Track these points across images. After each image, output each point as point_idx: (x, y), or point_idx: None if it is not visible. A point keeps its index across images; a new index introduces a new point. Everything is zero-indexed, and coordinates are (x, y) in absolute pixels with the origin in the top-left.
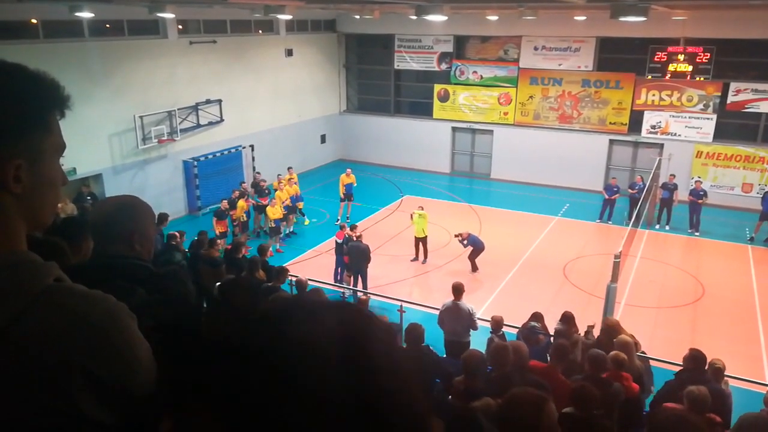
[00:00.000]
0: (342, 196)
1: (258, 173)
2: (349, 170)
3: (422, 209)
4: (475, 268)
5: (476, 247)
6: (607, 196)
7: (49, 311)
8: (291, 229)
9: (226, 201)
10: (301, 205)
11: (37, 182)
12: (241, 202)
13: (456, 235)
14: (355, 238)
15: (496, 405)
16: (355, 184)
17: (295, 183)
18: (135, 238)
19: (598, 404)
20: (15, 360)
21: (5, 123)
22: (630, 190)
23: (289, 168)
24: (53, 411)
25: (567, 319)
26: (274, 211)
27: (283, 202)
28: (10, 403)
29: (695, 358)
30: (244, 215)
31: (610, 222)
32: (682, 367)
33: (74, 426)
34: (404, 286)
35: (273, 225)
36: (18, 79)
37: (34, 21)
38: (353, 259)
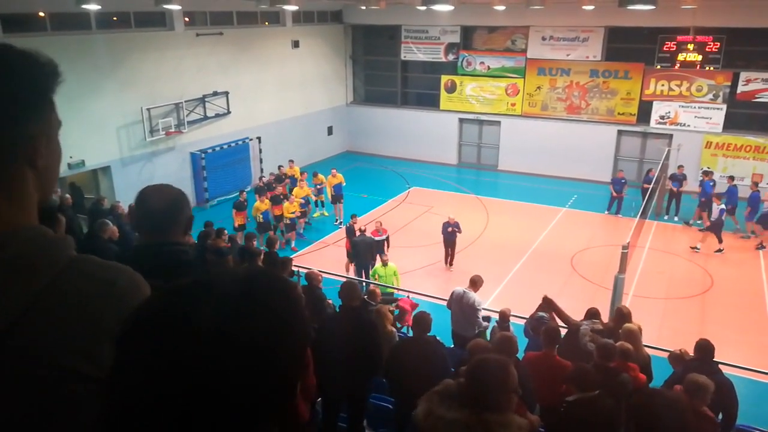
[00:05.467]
0: (330, 198)
1: (281, 167)
2: (334, 170)
3: (386, 262)
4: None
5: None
6: (615, 194)
7: (79, 279)
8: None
9: (245, 192)
10: (322, 197)
11: (50, 157)
12: (257, 203)
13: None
14: (358, 232)
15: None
16: (344, 184)
17: (287, 177)
18: (188, 225)
19: (596, 384)
20: (48, 328)
21: (33, 101)
22: (645, 185)
23: (290, 161)
24: (80, 376)
25: (592, 315)
26: (290, 208)
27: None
28: (42, 367)
29: (703, 348)
30: (260, 216)
31: (619, 214)
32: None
33: (97, 391)
34: (411, 277)
35: (288, 222)
36: (28, 59)
37: (41, 14)
38: (361, 252)
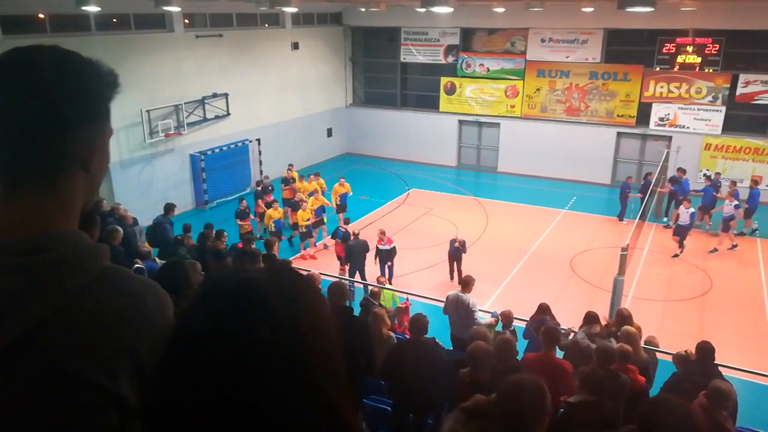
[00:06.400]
0: (335, 207)
1: (290, 169)
2: (342, 179)
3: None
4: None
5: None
6: (639, 195)
7: (108, 292)
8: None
9: (244, 200)
10: (324, 199)
11: (100, 163)
12: (270, 211)
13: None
14: (352, 236)
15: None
16: (351, 194)
17: (295, 181)
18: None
19: (606, 389)
20: (70, 335)
21: (93, 107)
22: (644, 187)
23: (290, 165)
24: (97, 389)
25: (590, 319)
26: (304, 215)
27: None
28: (57, 373)
29: (703, 349)
30: (272, 225)
31: (618, 217)
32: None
33: (110, 406)
34: (409, 279)
35: (304, 230)
36: (91, 67)
37: (41, 15)
38: (357, 255)
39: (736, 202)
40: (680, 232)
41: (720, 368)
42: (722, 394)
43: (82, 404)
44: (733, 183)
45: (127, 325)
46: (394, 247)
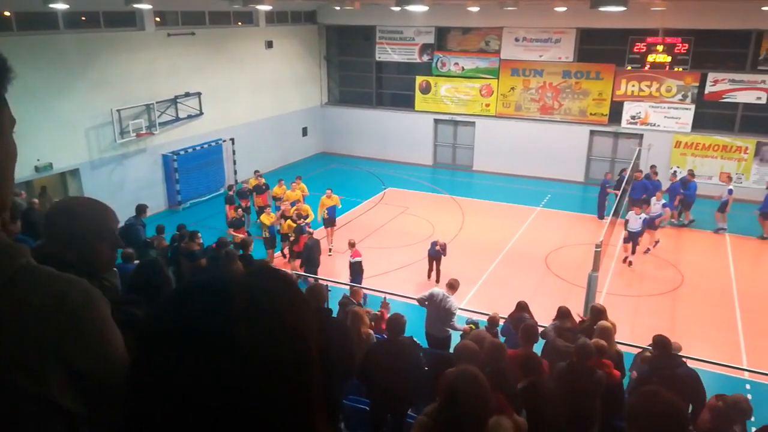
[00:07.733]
0: (323, 222)
1: (258, 176)
2: (329, 191)
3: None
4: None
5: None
6: (615, 192)
7: (27, 291)
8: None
9: (241, 209)
10: (303, 204)
11: (0, 155)
12: (263, 217)
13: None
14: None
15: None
16: (339, 206)
17: (268, 188)
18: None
19: (543, 371)
20: None
21: None
22: (616, 185)
23: (255, 171)
24: (25, 395)
25: (562, 314)
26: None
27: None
28: None
29: (659, 343)
30: (267, 231)
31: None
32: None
33: (44, 413)
34: (387, 278)
35: (293, 236)
36: None
37: (7, 13)
38: (315, 255)
39: (663, 201)
40: (632, 238)
41: (690, 360)
42: (743, 410)
43: (15, 411)
44: (674, 175)
45: (50, 326)
46: (359, 261)
